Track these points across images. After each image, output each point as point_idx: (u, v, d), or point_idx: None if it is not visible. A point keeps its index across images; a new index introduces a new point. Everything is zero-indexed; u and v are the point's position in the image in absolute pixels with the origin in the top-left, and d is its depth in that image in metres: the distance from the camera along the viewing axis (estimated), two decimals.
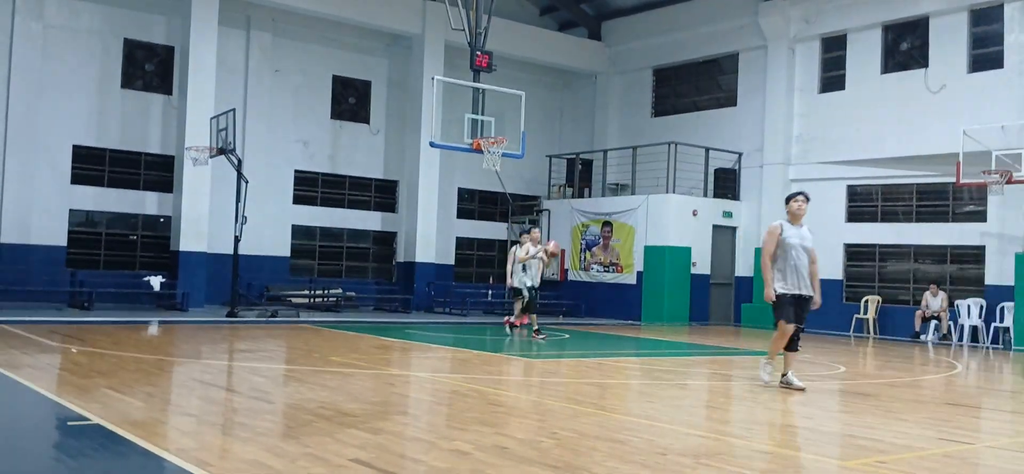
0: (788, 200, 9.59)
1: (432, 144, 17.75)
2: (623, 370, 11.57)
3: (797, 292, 9.29)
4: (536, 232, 15.89)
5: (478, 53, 17.55)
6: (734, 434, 7.06)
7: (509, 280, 15.67)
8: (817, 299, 9.44)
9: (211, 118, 18.50)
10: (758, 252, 22.21)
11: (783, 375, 9.46)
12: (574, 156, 25.01)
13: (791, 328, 9.32)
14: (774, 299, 9.26)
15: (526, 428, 6.65)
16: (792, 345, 9.42)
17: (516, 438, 6.18)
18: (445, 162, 22.89)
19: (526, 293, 15.11)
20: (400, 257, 23.54)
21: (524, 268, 15.18)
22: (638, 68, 25.47)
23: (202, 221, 19.56)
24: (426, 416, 7.64)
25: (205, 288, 19.55)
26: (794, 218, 9.42)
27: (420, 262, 22.74)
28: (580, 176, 24.77)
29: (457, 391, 8.87)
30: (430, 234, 22.88)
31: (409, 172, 23.06)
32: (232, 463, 5.21)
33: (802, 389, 9.20)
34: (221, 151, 17.52)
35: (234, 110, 17.54)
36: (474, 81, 17.39)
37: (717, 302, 22.62)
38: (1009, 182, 17.25)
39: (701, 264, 22.10)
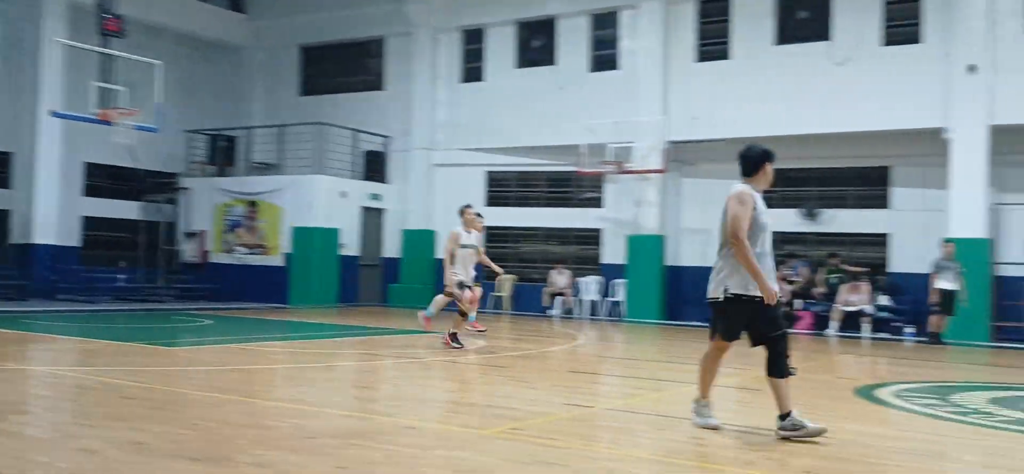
0: (769, 159, 6.37)
1: (53, 114, 16.03)
2: (270, 354, 11.32)
3: (752, 294, 6.15)
4: (470, 212, 12.10)
5: (107, 16, 16.16)
6: (381, 412, 7.22)
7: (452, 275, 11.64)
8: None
9: None
10: (406, 233, 22.88)
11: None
12: (217, 132, 23.90)
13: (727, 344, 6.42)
14: (722, 297, 6.22)
15: (164, 421, 6.27)
16: (784, 365, 6.18)
17: (153, 432, 5.82)
18: (69, 134, 20.70)
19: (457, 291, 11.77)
20: (14, 238, 20.93)
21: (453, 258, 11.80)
22: (285, 45, 24.94)
23: None
24: (48, 414, 6.91)
25: None
26: (766, 183, 6.41)
27: (39, 243, 20.43)
28: (223, 154, 23.73)
29: (84, 385, 8.13)
30: (51, 213, 20.62)
31: (25, 143, 20.53)
32: None
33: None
34: None
35: None
36: (103, 46, 15.99)
37: (366, 283, 22.91)
38: (622, 172, 19.41)
39: (350, 245, 22.24)
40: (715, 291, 6.28)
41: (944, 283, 15.66)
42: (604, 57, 20.83)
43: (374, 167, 23.25)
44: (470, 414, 7.40)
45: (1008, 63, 16.30)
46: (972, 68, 16.39)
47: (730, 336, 6.33)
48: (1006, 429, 7.17)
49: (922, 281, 16.71)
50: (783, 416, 6.16)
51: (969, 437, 6.88)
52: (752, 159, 6.36)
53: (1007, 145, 16.74)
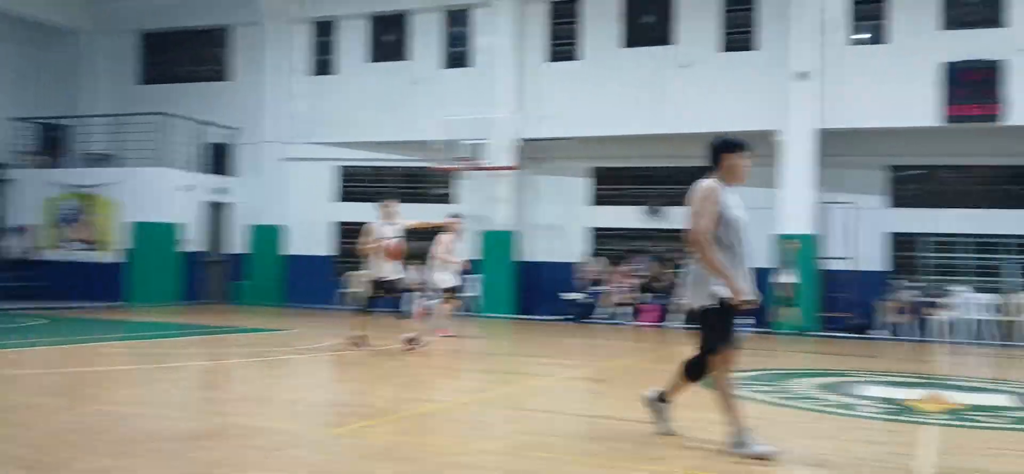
0: (727, 150, 5.95)
1: None
2: (107, 356, 10.78)
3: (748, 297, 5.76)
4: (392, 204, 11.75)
5: None
6: (229, 413, 7.02)
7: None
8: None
9: None
10: (257, 229, 22.21)
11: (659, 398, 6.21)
12: (48, 121, 22.47)
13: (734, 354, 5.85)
14: (716, 304, 5.67)
15: None
16: (702, 373, 5.92)
17: None
18: None
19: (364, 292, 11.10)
20: None
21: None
22: (125, 30, 23.74)
23: None
24: None
25: None
26: (732, 178, 5.97)
27: None
28: (56, 144, 22.35)
29: None
30: None
31: None
32: None
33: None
34: None
35: None
36: None
37: (210, 280, 22.12)
38: (475, 168, 19.56)
39: (194, 241, 21.41)
40: (706, 298, 5.64)
41: (787, 277, 16.80)
42: (457, 54, 20.91)
43: (220, 160, 22.46)
44: (319, 413, 7.31)
45: (835, 71, 17.46)
46: (802, 75, 17.46)
47: (733, 341, 5.75)
48: (832, 413, 7.69)
49: (756, 275, 17.67)
50: (661, 397, 6.15)
51: (798, 421, 7.34)
52: (711, 150, 5.87)
53: (832, 147, 17.93)
